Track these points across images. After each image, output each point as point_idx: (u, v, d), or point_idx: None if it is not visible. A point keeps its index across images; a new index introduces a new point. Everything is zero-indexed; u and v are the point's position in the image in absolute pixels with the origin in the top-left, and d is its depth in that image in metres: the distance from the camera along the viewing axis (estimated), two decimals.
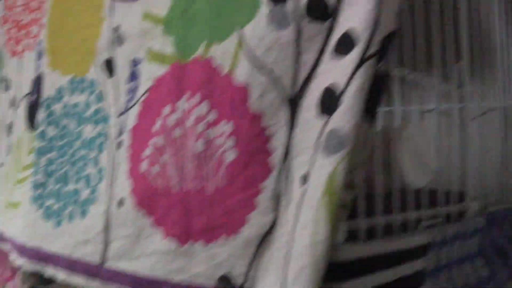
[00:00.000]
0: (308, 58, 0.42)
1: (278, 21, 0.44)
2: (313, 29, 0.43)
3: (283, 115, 0.44)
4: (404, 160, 0.50)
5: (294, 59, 0.43)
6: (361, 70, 0.39)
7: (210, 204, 0.49)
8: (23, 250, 0.73)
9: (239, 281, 0.47)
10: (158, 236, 0.54)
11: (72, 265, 0.65)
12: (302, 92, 0.43)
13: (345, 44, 0.40)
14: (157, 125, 0.54)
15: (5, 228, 0.80)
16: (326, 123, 0.40)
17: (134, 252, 0.56)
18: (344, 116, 0.38)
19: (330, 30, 0.42)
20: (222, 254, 0.48)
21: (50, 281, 0.79)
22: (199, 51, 0.50)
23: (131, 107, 0.59)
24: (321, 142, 0.40)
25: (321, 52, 0.43)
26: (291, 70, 0.43)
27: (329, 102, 0.40)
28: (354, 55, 0.39)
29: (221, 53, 0.48)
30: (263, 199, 0.45)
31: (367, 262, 0.45)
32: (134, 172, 0.57)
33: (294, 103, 0.43)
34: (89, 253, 0.62)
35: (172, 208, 0.52)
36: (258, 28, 0.45)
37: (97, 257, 0.61)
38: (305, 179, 0.41)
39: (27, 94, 0.80)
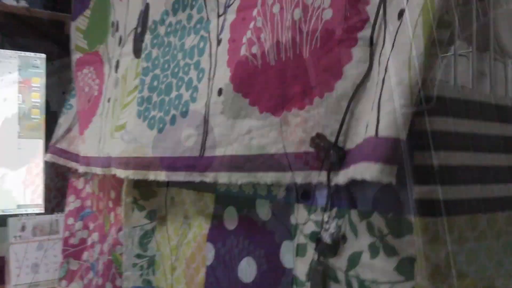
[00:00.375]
0: None
1: None
2: None
3: None
4: (502, 26, 0.49)
5: None
6: None
7: (306, 67, 0.51)
8: (128, 163, 0.80)
9: (332, 138, 0.49)
10: (254, 114, 0.57)
11: (173, 164, 0.70)
12: None
13: None
14: (256, 8, 0.58)
15: (112, 151, 0.88)
16: None
17: (232, 135, 0.60)
18: None
19: None
20: (316, 116, 0.50)
21: (154, 195, 0.86)
22: None
23: (231, 4, 0.64)
24: None
25: None
26: None
27: None
28: None
29: None
30: (359, 49, 0.46)
31: (464, 106, 0.45)
32: (233, 59, 0.61)
33: None
34: (190, 148, 0.67)
35: (269, 82, 0.55)
36: None
37: (197, 149, 0.65)
38: (402, 13, 0.42)
39: (133, 29, 0.89)
